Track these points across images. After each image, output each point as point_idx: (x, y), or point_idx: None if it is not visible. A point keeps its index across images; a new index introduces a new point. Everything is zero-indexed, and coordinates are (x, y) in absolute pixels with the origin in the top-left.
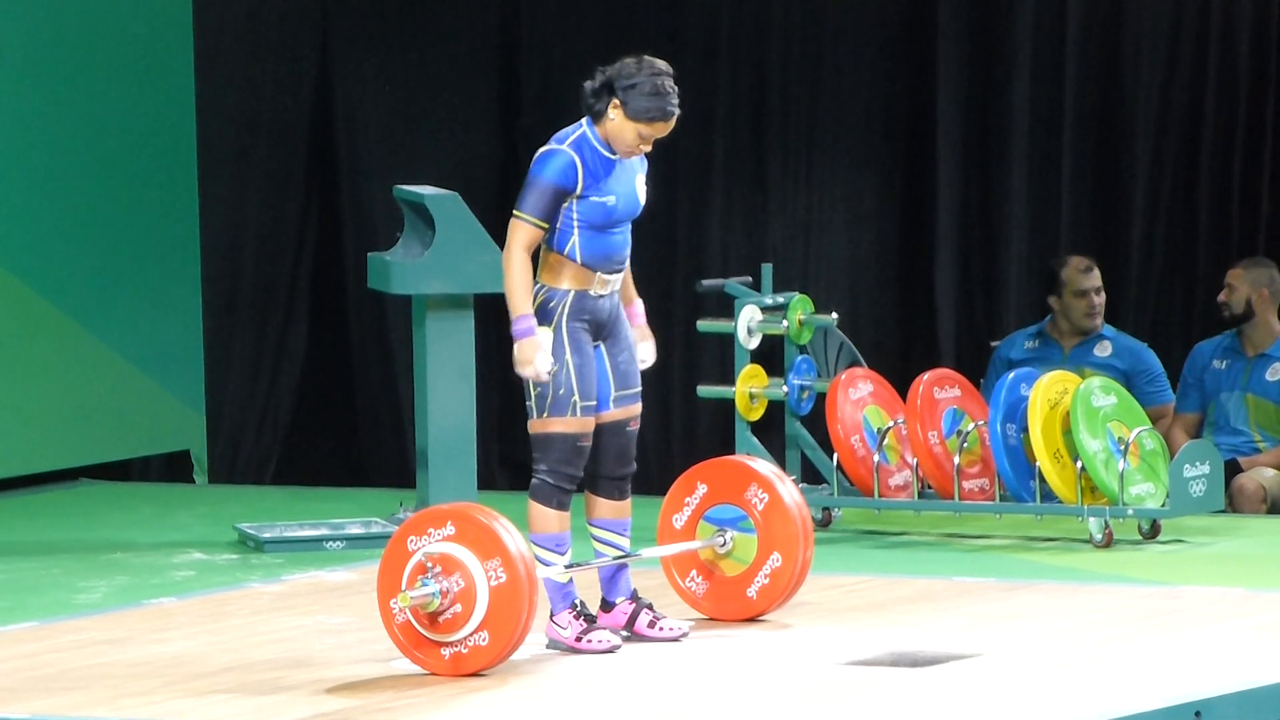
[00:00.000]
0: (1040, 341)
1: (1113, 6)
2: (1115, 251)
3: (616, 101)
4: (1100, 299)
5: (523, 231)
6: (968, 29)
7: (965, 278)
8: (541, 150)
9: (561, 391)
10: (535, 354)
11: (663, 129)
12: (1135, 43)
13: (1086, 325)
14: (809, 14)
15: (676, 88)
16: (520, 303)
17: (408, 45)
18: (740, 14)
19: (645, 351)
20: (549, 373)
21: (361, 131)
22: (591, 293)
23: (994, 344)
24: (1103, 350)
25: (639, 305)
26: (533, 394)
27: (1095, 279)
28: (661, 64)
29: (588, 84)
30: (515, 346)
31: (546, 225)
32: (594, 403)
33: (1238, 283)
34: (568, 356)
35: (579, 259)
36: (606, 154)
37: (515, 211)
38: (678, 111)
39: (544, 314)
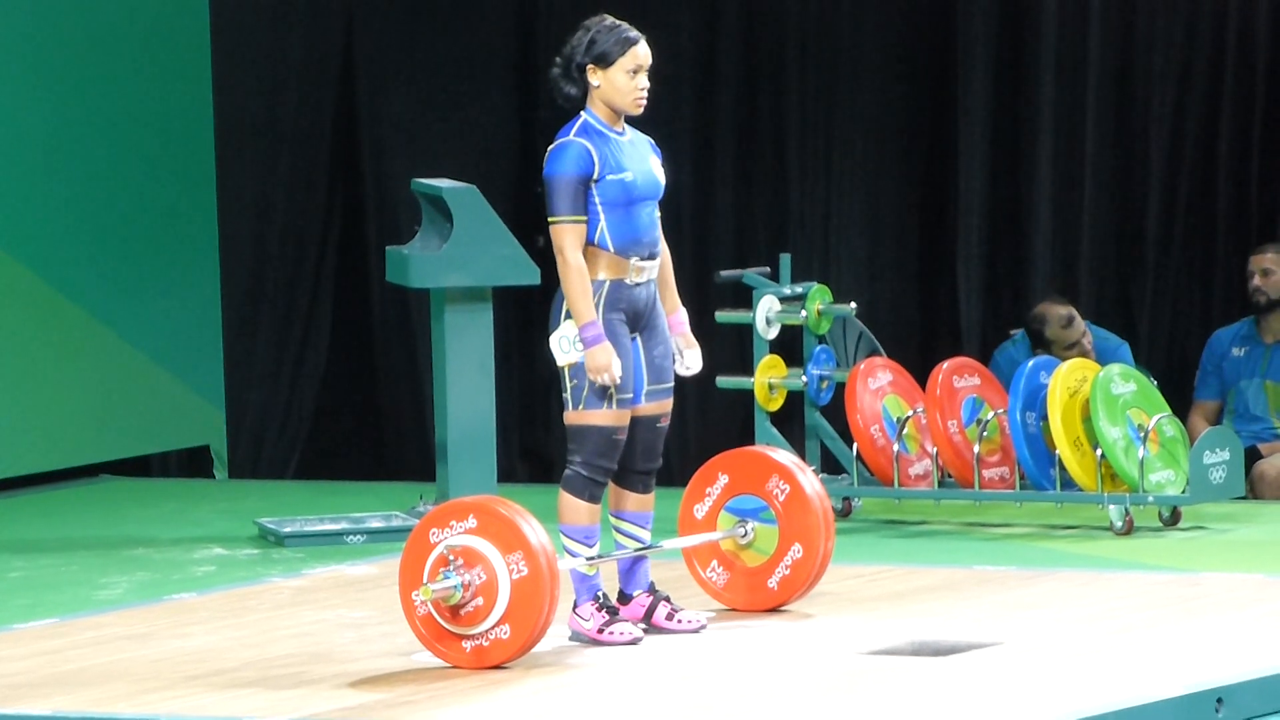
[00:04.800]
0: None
1: None
2: (1135, 239)
3: (590, 66)
4: (1087, 336)
5: (567, 233)
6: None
7: (987, 266)
8: (550, 150)
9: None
10: (608, 359)
11: (644, 55)
12: (1154, 33)
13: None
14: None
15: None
16: (584, 309)
17: (428, 38)
18: (756, 5)
19: (692, 359)
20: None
21: (384, 125)
22: (628, 281)
23: (1012, 333)
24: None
25: (682, 314)
26: (569, 386)
27: (1079, 327)
28: (596, 16)
29: (559, 82)
30: (586, 354)
31: (584, 218)
32: (630, 395)
33: (1276, 266)
34: None
35: (610, 246)
36: (612, 134)
37: (550, 220)
38: (640, 34)
39: None
